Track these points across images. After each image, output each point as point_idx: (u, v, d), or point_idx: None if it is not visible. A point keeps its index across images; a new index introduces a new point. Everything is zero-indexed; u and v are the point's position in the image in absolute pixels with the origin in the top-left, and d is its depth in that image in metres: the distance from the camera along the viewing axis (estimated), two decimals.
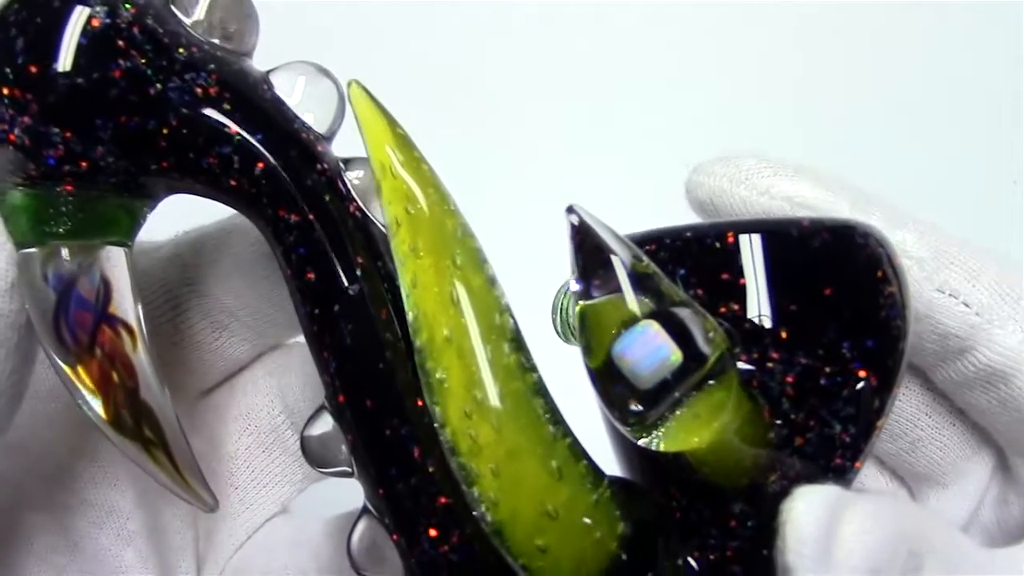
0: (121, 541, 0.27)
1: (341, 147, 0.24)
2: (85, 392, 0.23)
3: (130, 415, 0.23)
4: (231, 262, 0.27)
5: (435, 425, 0.20)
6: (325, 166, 0.23)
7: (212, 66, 0.22)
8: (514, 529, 0.20)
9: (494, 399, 0.20)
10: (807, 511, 0.19)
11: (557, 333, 0.28)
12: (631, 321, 0.20)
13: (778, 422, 0.21)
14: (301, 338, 0.28)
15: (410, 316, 0.21)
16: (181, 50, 0.22)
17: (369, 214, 0.23)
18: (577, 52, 0.56)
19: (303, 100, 0.24)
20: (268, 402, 0.29)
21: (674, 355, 0.19)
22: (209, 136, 0.22)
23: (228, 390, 0.29)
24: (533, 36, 0.56)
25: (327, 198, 0.23)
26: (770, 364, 0.21)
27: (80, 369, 0.23)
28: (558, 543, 0.20)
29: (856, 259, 0.22)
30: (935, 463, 0.26)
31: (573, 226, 0.21)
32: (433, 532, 0.22)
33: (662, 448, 0.20)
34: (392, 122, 0.22)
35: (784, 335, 0.21)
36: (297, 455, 0.28)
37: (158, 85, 0.22)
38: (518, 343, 0.21)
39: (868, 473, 0.28)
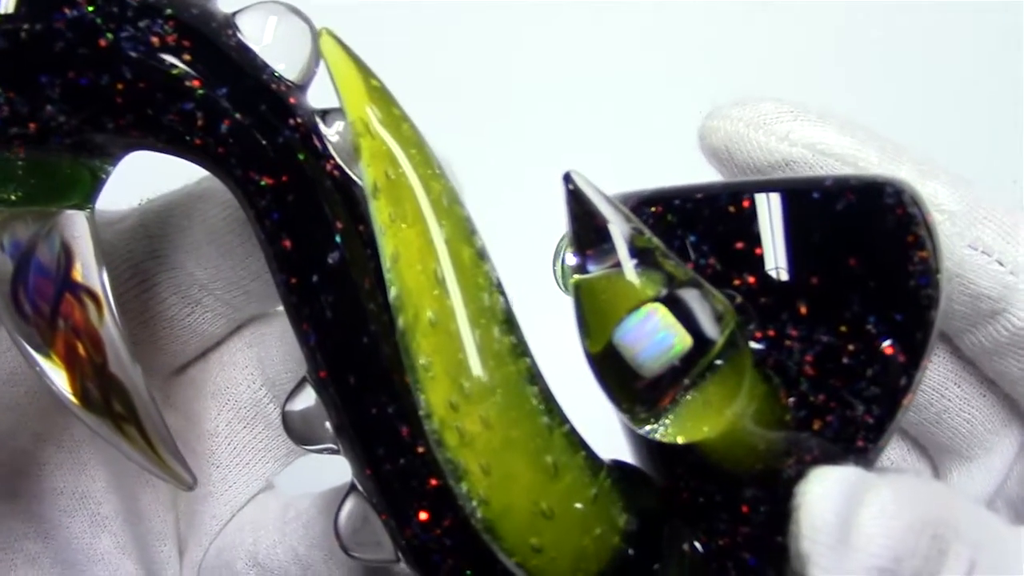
0: (95, 527, 0.26)
1: (318, 98, 0.22)
2: (49, 367, 0.21)
3: (98, 390, 0.22)
4: (202, 231, 0.25)
5: (420, 413, 0.19)
6: (299, 120, 0.21)
7: (169, 11, 0.20)
8: (506, 528, 0.18)
9: (483, 390, 0.18)
10: (824, 495, 0.18)
11: (557, 283, 0.26)
12: (634, 306, 0.18)
13: (795, 404, 0.19)
14: (281, 307, 0.27)
15: (392, 293, 0.19)
16: None
17: (350, 173, 0.21)
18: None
19: (273, 44, 0.21)
20: (247, 375, 0.27)
21: (680, 343, 0.18)
22: (169, 91, 0.20)
23: (204, 365, 0.27)
24: None
25: (302, 157, 0.21)
26: (788, 342, 0.19)
27: (42, 342, 0.21)
28: (554, 542, 0.18)
29: (884, 223, 0.20)
30: (960, 436, 0.25)
31: (569, 193, 0.19)
32: (424, 515, 0.21)
33: (670, 439, 0.18)
34: (369, 75, 0.20)
35: (804, 310, 0.19)
36: (281, 429, 0.27)
37: (109, 35, 0.20)
38: (510, 324, 0.19)
39: (892, 446, 0.26)
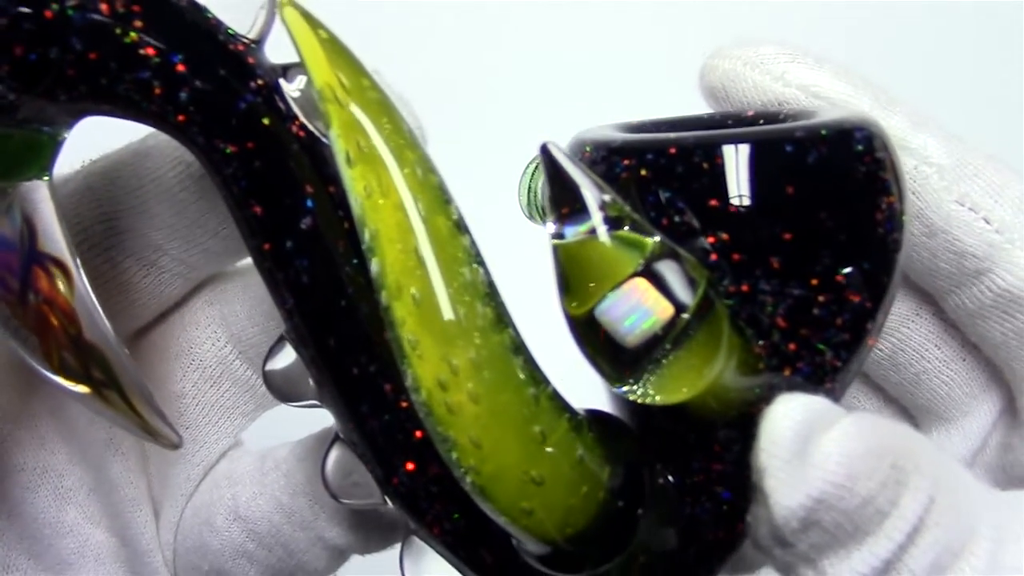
0: (60, 500, 0.26)
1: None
2: (22, 342, 0.21)
3: (75, 359, 0.22)
4: (153, 189, 0.24)
5: (406, 384, 0.19)
6: (260, 82, 0.20)
7: None
8: (497, 493, 0.19)
9: (470, 367, 0.18)
10: (786, 414, 0.18)
11: (524, 212, 0.26)
12: (614, 285, 0.18)
13: (768, 353, 0.20)
14: (241, 262, 0.26)
15: (373, 268, 0.19)
16: None
17: (315, 131, 0.21)
18: None
19: None
20: (211, 334, 0.27)
21: (660, 316, 0.18)
22: (122, 60, 0.19)
23: (165, 327, 0.27)
24: None
25: (266, 121, 0.20)
26: (761, 296, 0.20)
27: (14, 318, 0.21)
28: (543, 504, 0.19)
29: (854, 173, 0.20)
30: (939, 398, 0.25)
31: (545, 160, 0.19)
32: (411, 465, 0.21)
33: (654, 401, 0.19)
34: (332, 40, 0.19)
35: (776, 265, 0.20)
36: (247, 385, 0.27)
37: (54, 5, 0.18)
38: (491, 296, 0.19)
39: (869, 404, 0.27)
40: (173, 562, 0.27)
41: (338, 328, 0.21)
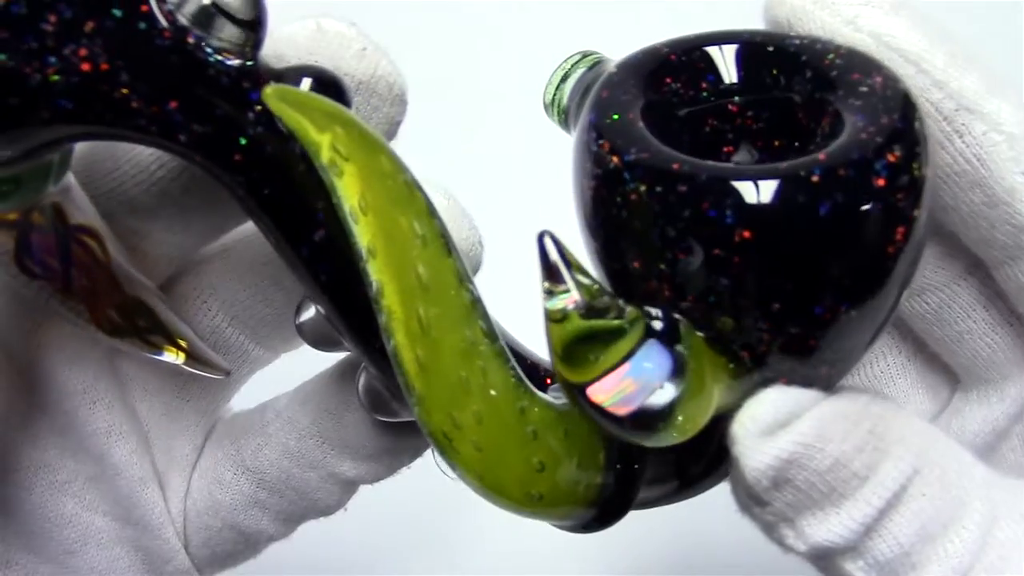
0: (56, 493, 0.26)
1: None
2: (73, 316, 0.23)
3: (120, 315, 0.24)
4: (129, 171, 0.23)
5: (408, 400, 0.20)
6: (259, 108, 0.19)
7: (91, 26, 0.18)
8: (501, 502, 0.21)
9: (478, 400, 0.19)
10: (764, 398, 0.20)
11: (546, 109, 0.25)
12: (600, 374, 0.18)
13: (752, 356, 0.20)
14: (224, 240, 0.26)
15: (372, 288, 0.19)
16: (50, 16, 0.17)
17: None
18: None
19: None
20: (201, 304, 0.26)
21: (644, 396, 0.19)
22: (116, 112, 0.19)
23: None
24: None
25: (268, 149, 0.20)
26: (759, 333, 0.20)
27: (60, 294, 0.23)
28: (548, 511, 0.21)
29: (868, 229, 0.19)
30: (980, 359, 0.25)
31: (540, 249, 0.19)
32: None
33: (671, 443, 0.20)
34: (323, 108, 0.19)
35: (777, 307, 0.20)
36: (240, 351, 0.27)
37: (36, 76, 0.18)
38: (482, 313, 0.20)
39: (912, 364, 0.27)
40: (184, 531, 0.27)
41: (364, 313, 0.21)
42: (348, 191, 0.19)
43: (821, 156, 0.19)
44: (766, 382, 0.20)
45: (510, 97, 0.46)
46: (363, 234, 0.19)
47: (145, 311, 0.24)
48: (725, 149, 0.23)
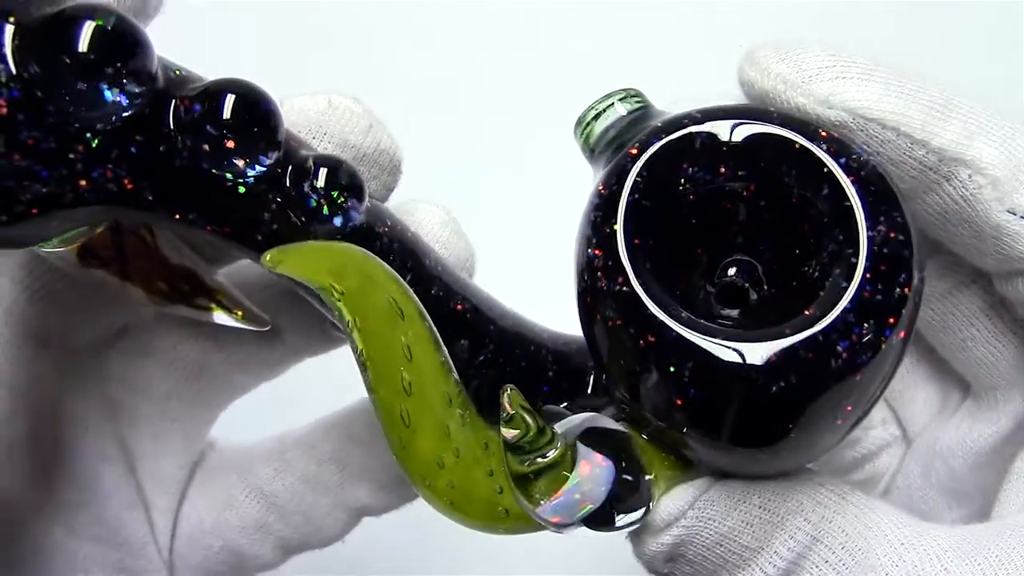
0: (39, 523, 0.26)
1: None
2: (128, 300, 0.26)
3: (167, 285, 0.27)
4: None
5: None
6: (275, 205, 0.22)
7: (116, 152, 0.20)
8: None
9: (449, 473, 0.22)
10: (662, 506, 0.21)
11: (580, 146, 0.25)
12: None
13: None
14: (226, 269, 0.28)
15: (358, 352, 0.22)
16: (90, 137, 0.19)
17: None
18: None
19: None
20: (192, 331, 0.28)
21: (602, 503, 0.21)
22: (146, 214, 0.21)
23: (147, 329, 0.28)
24: None
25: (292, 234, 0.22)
26: (710, 453, 0.21)
27: (118, 280, 0.26)
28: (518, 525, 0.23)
29: (819, 405, 0.20)
30: (985, 365, 0.25)
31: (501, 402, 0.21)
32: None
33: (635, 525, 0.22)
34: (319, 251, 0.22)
35: (728, 437, 0.21)
36: (225, 378, 0.29)
37: (70, 194, 0.20)
38: (459, 387, 0.22)
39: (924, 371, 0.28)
40: (170, 547, 0.28)
41: None
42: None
43: (787, 329, 0.20)
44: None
45: (516, 102, 0.50)
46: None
47: (187, 276, 0.27)
48: (730, 229, 0.23)
